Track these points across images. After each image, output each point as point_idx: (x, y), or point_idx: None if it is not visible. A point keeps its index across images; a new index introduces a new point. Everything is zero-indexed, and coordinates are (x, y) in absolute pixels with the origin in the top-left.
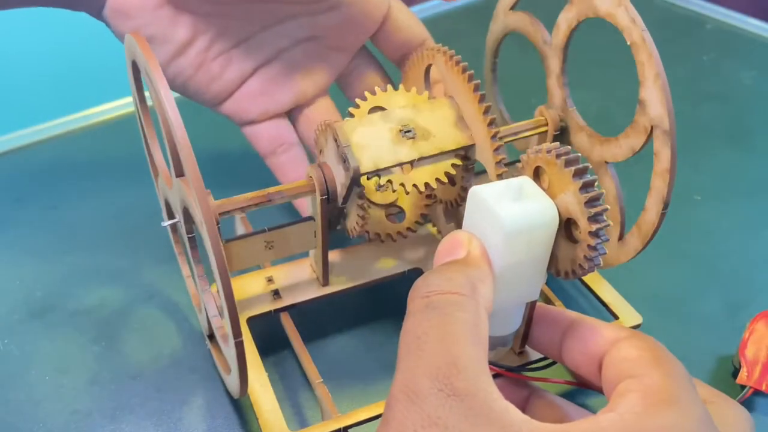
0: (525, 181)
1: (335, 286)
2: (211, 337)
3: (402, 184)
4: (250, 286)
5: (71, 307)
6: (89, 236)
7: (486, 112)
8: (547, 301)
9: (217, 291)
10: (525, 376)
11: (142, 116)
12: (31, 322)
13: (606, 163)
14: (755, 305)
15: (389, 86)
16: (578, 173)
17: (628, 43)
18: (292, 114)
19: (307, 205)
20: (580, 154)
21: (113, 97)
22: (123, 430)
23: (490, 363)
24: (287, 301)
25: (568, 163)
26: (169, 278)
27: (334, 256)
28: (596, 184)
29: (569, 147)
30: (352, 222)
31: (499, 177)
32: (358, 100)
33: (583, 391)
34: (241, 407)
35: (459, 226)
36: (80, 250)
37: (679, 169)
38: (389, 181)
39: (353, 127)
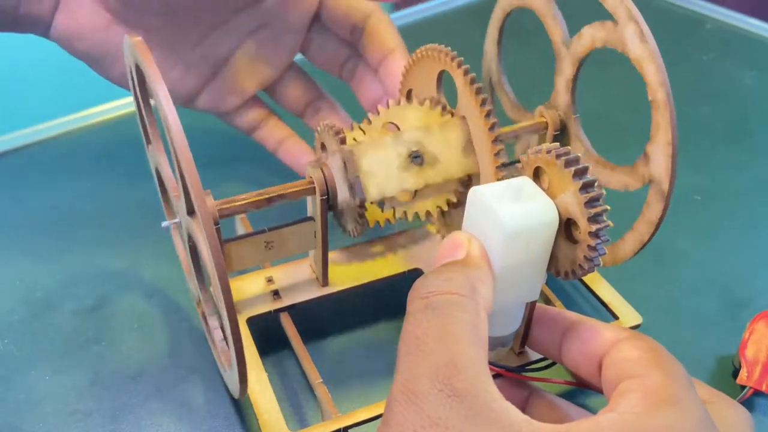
0: (525, 182)
1: (335, 287)
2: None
3: (405, 212)
4: (249, 287)
5: (71, 307)
6: (89, 236)
7: (495, 141)
8: (547, 301)
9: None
10: (525, 376)
11: (146, 117)
12: (31, 322)
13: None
14: (755, 305)
15: (402, 99)
16: (578, 173)
17: (650, 98)
18: (265, 90)
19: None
20: (580, 155)
21: (113, 97)
22: (123, 430)
23: (490, 363)
24: (287, 301)
25: (568, 164)
26: (169, 278)
27: (334, 256)
28: (596, 184)
29: (569, 147)
30: (351, 225)
31: None
32: (371, 116)
33: (583, 391)
34: (241, 407)
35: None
36: (80, 250)
37: (679, 169)
38: (392, 208)
39: (364, 151)
